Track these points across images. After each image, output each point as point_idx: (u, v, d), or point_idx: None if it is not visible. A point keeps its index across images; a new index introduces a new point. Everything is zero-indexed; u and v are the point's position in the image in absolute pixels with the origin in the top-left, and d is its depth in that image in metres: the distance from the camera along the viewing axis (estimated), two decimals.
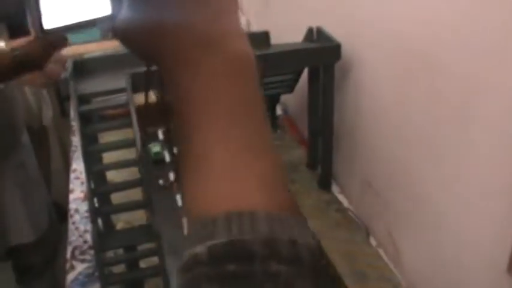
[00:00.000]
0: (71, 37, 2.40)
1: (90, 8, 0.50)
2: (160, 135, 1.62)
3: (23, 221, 1.86)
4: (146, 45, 0.42)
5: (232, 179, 0.38)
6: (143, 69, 1.14)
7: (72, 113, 1.60)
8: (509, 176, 0.75)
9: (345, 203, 1.29)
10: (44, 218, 1.97)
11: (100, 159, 1.07)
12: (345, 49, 1.13)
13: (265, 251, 0.34)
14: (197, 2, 0.41)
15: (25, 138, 1.91)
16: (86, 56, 1.18)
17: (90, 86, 1.00)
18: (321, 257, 0.37)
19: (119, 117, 0.99)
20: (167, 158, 1.52)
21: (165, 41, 0.41)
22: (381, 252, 1.15)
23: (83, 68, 1.05)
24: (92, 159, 0.96)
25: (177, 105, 0.41)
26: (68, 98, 2.41)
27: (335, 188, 1.33)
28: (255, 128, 0.41)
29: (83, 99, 0.98)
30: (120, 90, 0.98)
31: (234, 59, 0.41)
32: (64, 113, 2.71)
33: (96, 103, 1.02)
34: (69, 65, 1.05)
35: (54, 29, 0.48)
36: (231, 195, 0.37)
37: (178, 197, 1.36)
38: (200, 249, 0.35)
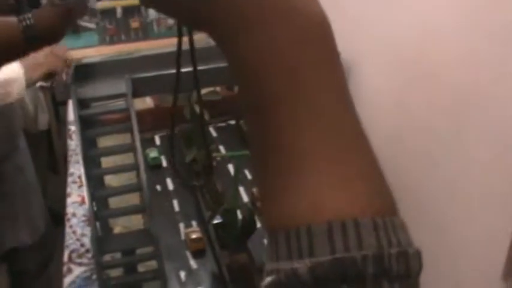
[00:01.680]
0: (68, 42, 2.41)
1: None
2: (158, 141, 1.63)
3: (20, 225, 1.86)
4: (192, 6, 0.35)
5: (331, 181, 0.33)
6: (143, 74, 1.15)
7: (72, 117, 1.61)
8: (506, 185, 0.76)
9: None
10: (40, 222, 1.97)
11: (99, 163, 1.07)
12: (343, 58, 1.14)
13: (376, 268, 0.30)
14: None
15: (22, 142, 1.91)
16: (87, 61, 1.18)
17: (90, 90, 1.01)
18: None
19: (118, 122, 1.00)
20: (164, 163, 1.53)
21: None
22: None
23: (84, 72, 1.05)
24: (91, 164, 0.97)
25: (245, 83, 0.35)
26: (63, 103, 2.41)
27: None
28: (349, 117, 0.36)
29: (83, 104, 0.99)
30: (120, 95, 0.99)
31: (317, 22, 0.35)
32: (59, 118, 2.71)
33: (97, 107, 1.03)
34: (72, 68, 1.05)
35: None
36: (331, 199, 0.32)
37: (175, 202, 1.37)
38: (299, 266, 0.30)
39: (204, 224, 1.28)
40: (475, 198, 0.84)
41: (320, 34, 0.34)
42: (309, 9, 0.35)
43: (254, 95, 0.35)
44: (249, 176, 1.44)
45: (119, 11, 2.09)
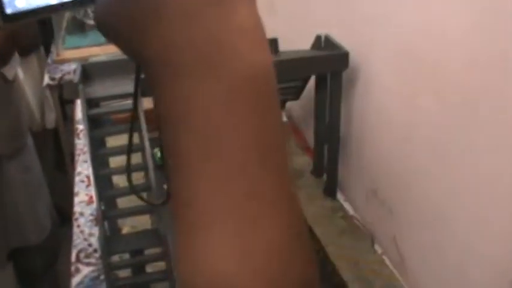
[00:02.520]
0: (75, 41, 2.39)
1: None
2: None
3: (26, 224, 1.86)
4: (129, 37, 0.32)
5: (232, 252, 0.31)
6: None
7: (80, 116, 1.61)
8: None
9: (350, 210, 1.29)
10: (47, 221, 1.97)
11: (107, 163, 1.07)
12: (353, 57, 1.14)
13: None
14: None
15: (29, 141, 1.91)
16: (95, 60, 1.18)
17: (98, 89, 1.00)
18: None
19: (127, 122, 1.00)
20: None
21: (153, 33, 0.31)
22: (386, 259, 1.15)
23: (92, 71, 1.05)
24: (99, 163, 0.97)
25: (165, 129, 0.32)
26: (70, 101, 2.42)
27: (340, 196, 1.33)
28: (271, 180, 0.32)
29: (91, 103, 0.98)
30: (129, 95, 0.98)
31: (251, 76, 0.31)
32: (66, 117, 2.71)
33: (105, 107, 1.02)
34: (78, 68, 1.05)
35: (19, 13, 0.36)
36: (225, 274, 0.31)
37: None
38: None
39: None
40: (486, 200, 0.83)
41: (254, 90, 0.31)
42: (246, 60, 0.31)
43: (169, 146, 0.33)
44: None
45: None
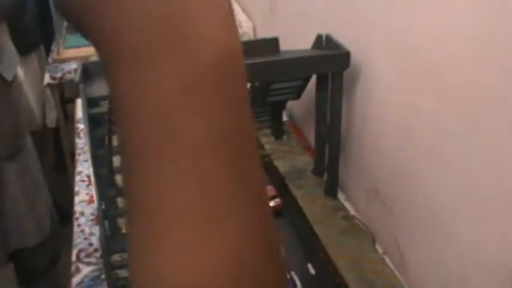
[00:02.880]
0: (76, 40, 2.39)
1: None
2: None
3: (26, 224, 1.86)
4: (80, 14, 0.28)
5: (193, 253, 0.28)
6: None
7: (81, 116, 1.61)
8: None
9: (351, 210, 1.29)
10: (47, 221, 1.97)
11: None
12: (354, 56, 1.13)
13: None
14: None
15: (29, 141, 1.91)
16: (96, 59, 1.18)
17: (99, 89, 1.00)
18: None
19: None
20: None
21: (103, 9, 0.27)
22: (387, 259, 1.14)
23: (93, 70, 1.05)
24: (100, 163, 0.96)
25: (119, 123, 0.29)
26: (71, 101, 2.42)
27: (341, 195, 1.33)
28: (236, 183, 0.29)
29: (92, 102, 0.98)
30: None
31: (214, 62, 0.28)
32: (67, 116, 2.71)
33: (106, 106, 1.02)
34: (78, 68, 1.05)
35: None
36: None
37: None
38: None
39: None
40: (486, 198, 0.83)
41: (217, 78, 0.28)
42: (209, 44, 0.27)
43: (122, 141, 0.29)
44: None
45: None
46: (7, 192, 1.78)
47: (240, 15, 1.95)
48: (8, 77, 1.76)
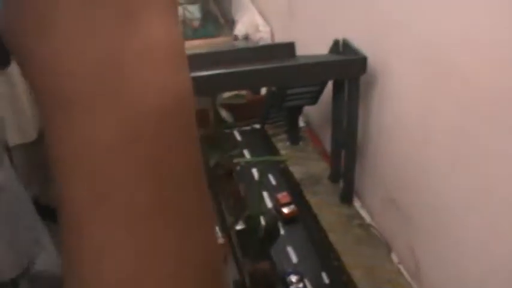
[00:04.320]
0: None
1: None
2: None
3: (1, 254, 1.76)
4: (18, 46, 0.25)
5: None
6: None
7: None
8: None
9: (367, 218, 1.27)
10: (29, 249, 1.87)
11: None
12: (371, 61, 1.12)
13: None
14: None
15: (5, 159, 1.84)
16: None
17: None
18: None
19: None
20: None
21: (38, 46, 0.24)
22: (402, 269, 1.13)
23: None
24: None
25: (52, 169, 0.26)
26: None
27: (357, 203, 1.31)
28: (171, 233, 0.26)
29: None
30: None
31: (155, 107, 0.25)
32: None
33: None
34: None
35: None
36: None
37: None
38: None
39: (226, 230, 1.26)
40: (505, 205, 0.81)
41: (158, 125, 0.25)
42: (150, 86, 0.24)
43: (56, 189, 0.26)
44: (273, 181, 1.42)
45: None
46: None
47: (257, 19, 1.94)
48: None
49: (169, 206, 0.25)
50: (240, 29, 1.98)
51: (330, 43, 1.19)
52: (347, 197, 1.30)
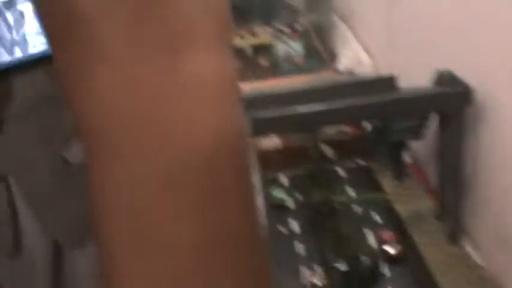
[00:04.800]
0: None
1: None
2: (283, 180, 1.60)
3: None
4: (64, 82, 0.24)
5: None
6: (265, 113, 1.13)
7: None
8: None
9: (477, 259, 1.20)
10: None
11: None
12: (478, 94, 1.07)
13: None
14: None
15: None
16: None
17: None
18: None
19: None
20: (289, 203, 1.50)
21: (81, 83, 0.23)
22: None
23: None
24: None
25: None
26: None
27: (466, 242, 1.25)
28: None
29: None
30: None
31: (199, 150, 0.23)
32: None
33: None
34: None
35: None
36: None
37: (298, 245, 1.33)
38: None
39: (327, 270, 1.22)
40: None
41: (202, 171, 0.23)
42: (194, 128, 0.23)
43: (97, 234, 0.25)
44: (377, 219, 1.37)
45: (248, 50, 2.12)
46: (74, 284, 1.75)
47: (360, 53, 1.92)
48: (73, 158, 1.72)
49: (217, 260, 0.24)
50: (342, 63, 1.96)
51: (433, 75, 1.15)
52: (455, 236, 1.24)
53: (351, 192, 1.50)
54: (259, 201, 0.92)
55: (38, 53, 0.32)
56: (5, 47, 0.32)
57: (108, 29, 0.22)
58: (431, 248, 1.23)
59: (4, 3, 0.33)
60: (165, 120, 0.23)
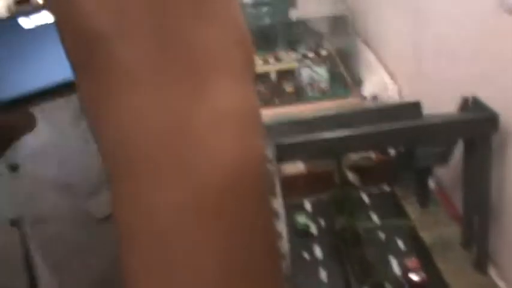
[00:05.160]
0: None
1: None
2: (308, 206, 1.60)
3: None
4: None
5: None
6: (289, 140, 1.13)
7: None
8: None
9: None
10: None
11: None
12: (504, 120, 1.06)
13: None
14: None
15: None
16: None
17: None
18: None
19: None
20: (313, 229, 1.49)
21: (103, 111, 0.24)
22: None
23: None
24: None
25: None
26: None
27: (493, 271, 1.22)
28: None
29: None
30: None
31: (221, 178, 0.23)
32: None
33: None
34: None
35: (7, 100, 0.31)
36: None
37: (322, 271, 1.32)
38: None
39: None
40: None
41: (225, 198, 0.23)
42: (216, 158, 0.23)
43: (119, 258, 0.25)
44: (402, 246, 1.36)
45: (273, 75, 2.13)
46: None
47: (385, 79, 1.91)
48: (98, 213, 1.60)
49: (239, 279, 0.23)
50: (368, 89, 1.96)
51: (459, 100, 1.15)
52: (481, 264, 1.22)
53: (375, 219, 1.49)
54: (282, 227, 0.92)
55: (60, 81, 0.32)
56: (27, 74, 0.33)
57: (128, 52, 0.22)
58: (457, 276, 1.21)
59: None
60: (187, 150, 0.23)
